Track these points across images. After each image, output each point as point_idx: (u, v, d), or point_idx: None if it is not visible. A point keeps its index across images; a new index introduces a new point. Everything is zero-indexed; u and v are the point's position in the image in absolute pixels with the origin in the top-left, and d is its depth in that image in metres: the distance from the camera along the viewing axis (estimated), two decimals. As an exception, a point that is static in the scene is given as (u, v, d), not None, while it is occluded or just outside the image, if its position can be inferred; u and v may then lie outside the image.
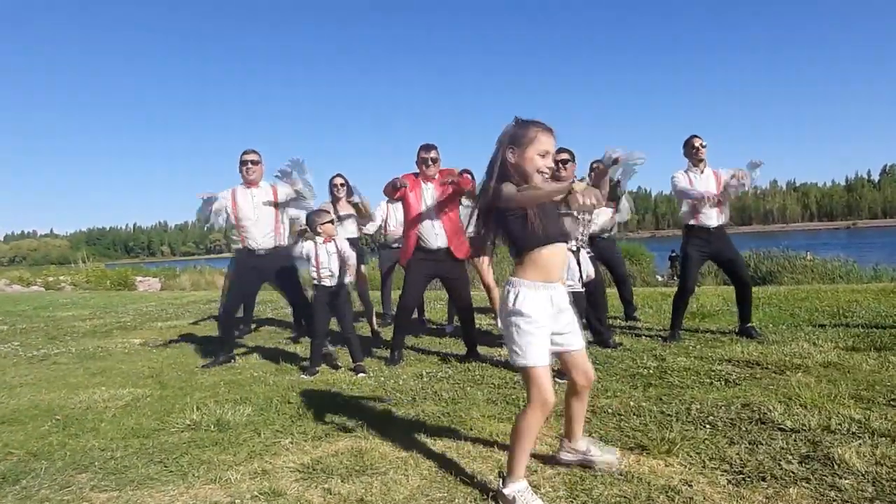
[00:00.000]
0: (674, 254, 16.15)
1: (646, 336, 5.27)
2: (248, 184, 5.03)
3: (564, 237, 2.27)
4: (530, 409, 2.13)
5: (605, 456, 2.45)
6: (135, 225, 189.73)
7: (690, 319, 5.78)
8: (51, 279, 21.06)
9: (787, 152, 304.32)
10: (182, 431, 3.22)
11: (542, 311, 2.16)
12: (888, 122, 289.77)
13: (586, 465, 2.44)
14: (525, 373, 2.14)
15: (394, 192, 4.79)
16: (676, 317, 5.16)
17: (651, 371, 4.00)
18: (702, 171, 5.13)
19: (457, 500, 2.22)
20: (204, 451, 2.89)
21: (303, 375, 4.49)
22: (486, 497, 2.23)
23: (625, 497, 2.16)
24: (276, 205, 5.05)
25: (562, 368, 2.40)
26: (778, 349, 4.36)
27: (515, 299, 2.17)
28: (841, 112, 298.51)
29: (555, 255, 2.20)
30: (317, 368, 4.59)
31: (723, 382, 3.64)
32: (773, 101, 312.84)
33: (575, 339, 2.31)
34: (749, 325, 5.05)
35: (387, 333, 6.08)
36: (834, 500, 2.06)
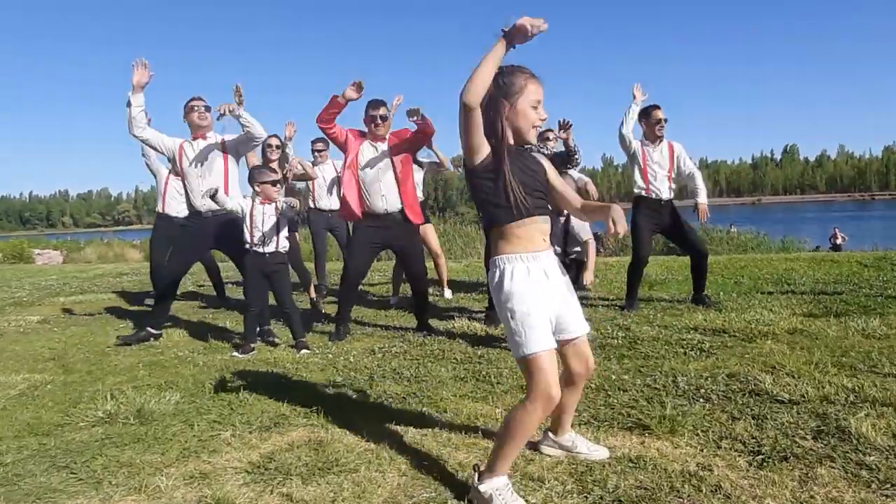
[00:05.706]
0: (597, 232, 16.38)
1: (602, 306, 5.09)
2: (196, 133, 4.42)
3: (544, 210, 1.92)
4: (530, 404, 1.78)
5: (594, 454, 2.13)
6: (31, 193, 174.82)
7: (639, 288, 5.66)
8: (-68, 252, 18.72)
9: (700, 130, 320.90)
10: (93, 426, 2.65)
11: (536, 286, 1.85)
12: (790, 102, 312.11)
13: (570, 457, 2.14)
14: (525, 363, 1.81)
15: (332, 113, 4.13)
16: (632, 287, 5.01)
17: (620, 341, 3.79)
18: (658, 145, 4.92)
19: (449, 502, 1.85)
20: (123, 450, 2.36)
21: (236, 354, 3.96)
22: (480, 495, 1.88)
23: (644, 488, 1.87)
24: (225, 151, 4.42)
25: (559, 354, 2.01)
26: (739, 317, 4.27)
27: (502, 278, 1.86)
28: (750, 91, 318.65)
29: (534, 223, 1.88)
30: (252, 345, 4.07)
31: (697, 352, 3.48)
32: (688, 80, 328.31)
33: (575, 323, 1.98)
34: (703, 293, 4.97)
35: (326, 307, 5.61)
36: (870, 482, 1.85)
